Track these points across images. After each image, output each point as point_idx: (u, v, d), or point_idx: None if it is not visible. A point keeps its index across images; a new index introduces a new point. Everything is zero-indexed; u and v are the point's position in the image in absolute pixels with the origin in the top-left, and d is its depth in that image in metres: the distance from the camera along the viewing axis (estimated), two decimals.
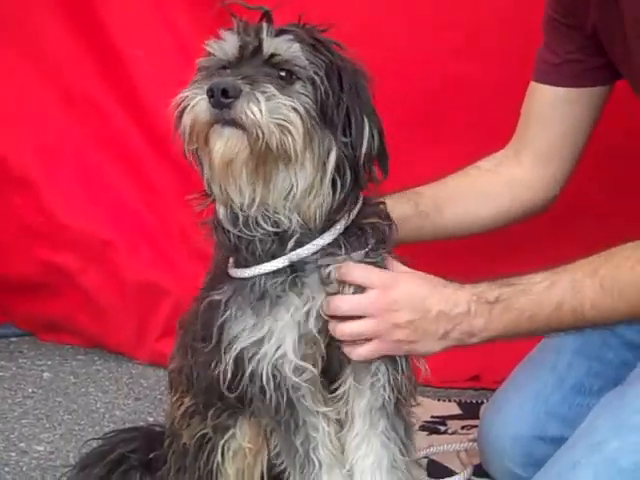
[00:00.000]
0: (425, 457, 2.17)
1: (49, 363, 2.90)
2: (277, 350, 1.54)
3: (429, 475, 2.10)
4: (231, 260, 1.59)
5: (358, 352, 1.56)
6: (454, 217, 1.99)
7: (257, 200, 1.48)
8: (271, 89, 1.41)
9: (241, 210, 1.50)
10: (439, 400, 2.56)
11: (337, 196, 1.50)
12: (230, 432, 1.68)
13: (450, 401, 2.57)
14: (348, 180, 1.50)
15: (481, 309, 1.57)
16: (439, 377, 2.57)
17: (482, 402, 2.50)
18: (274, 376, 1.56)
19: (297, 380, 1.56)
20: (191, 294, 1.77)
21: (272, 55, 1.45)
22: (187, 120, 1.43)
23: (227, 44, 1.47)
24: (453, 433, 2.33)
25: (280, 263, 1.53)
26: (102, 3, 2.87)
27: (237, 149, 1.42)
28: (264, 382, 1.55)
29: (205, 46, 1.50)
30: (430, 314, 1.56)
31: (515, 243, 2.61)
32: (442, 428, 2.36)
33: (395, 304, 1.55)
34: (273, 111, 1.40)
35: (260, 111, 1.38)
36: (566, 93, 1.97)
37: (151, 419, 2.52)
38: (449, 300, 1.57)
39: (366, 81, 1.53)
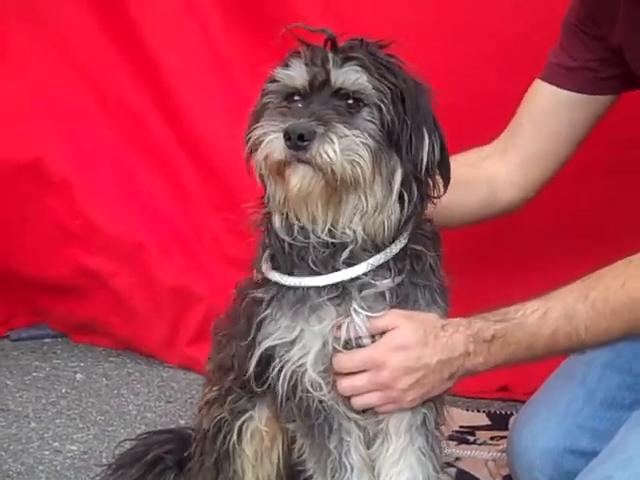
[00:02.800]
0: (456, 458, 2.20)
1: (82, 364, 2.95)
2: (300, 359, 1.58)
3: None
4: (269, 263, 1.62)
5: (383, 411, 1.63)
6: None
7: (328, 222, 1.55)
8: (343, 129, 1.47)
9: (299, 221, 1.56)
10: (468, 410, 2.57)
11: (405, 209, 1.56)
12: (247, 414, 1.73)
13: (479, 412, 2.58)
14: (415, 193, 1.56)
15: (479, 348, 1.60)
16: (468, 388, 2.59)
17: (511, 413, 2.52)
18: (299, 383, 1.60)
19: (314, 393, 1.60)
20: (223, 300, 1.82)
21: (340, 88, 1.51)
22: (262, 154, 1.50)
23: (295, 73, 1.52)
24: (482, 444, 2.34)
25: (330, 280, 1.57)
26: (138, 11, 2.91)
27: (312, 185, 1.49)
28: (287, 386, 1.60)
29: (272, 72, 1.55)
30: (430, 367, 1.59)
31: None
32: (471, 438, 2.37)
33: (392, 376, 1.59)
34: (345, 150, 1.47)
35: (334, 151, 1.46)
36: (573, 97, 1.98)
37: (182, 422, 2.55)
38: (445, 348, 1.59)
39: (426, 95, 1.58)
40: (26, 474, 2.27)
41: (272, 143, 1.48)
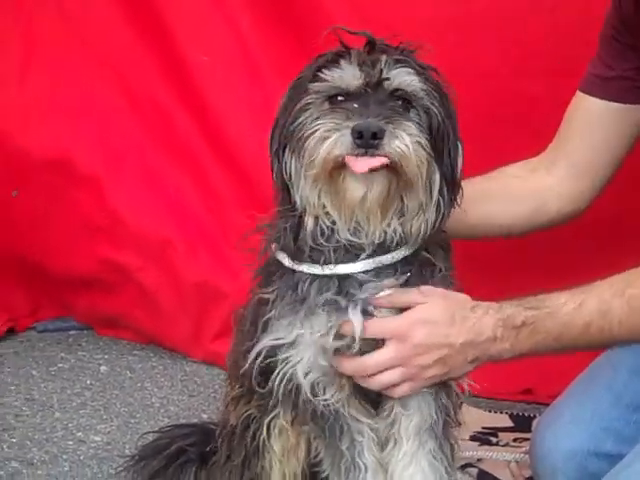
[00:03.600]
0: (477, 459, 2.20)
1: (106, 357, 2.97)
2: (295, 364, 1.59)
3: None
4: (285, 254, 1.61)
5: (397, 393, 1.61)
6: (480, 219, 1.97)
7: (377, 223, 1.54)
8: (411, 128, 1.48)
9: (334, 224, 1.55)
10: (490, 411, 2.56)
11: (440, 213, 1.56)
12: (275, 411, 1.72)
13: (502, 413, 2.57)
14: (447, 198, 1.56)
15: (507, 334, 1.59)
16: (491, 389, 2.58)
17: (534, 416, 2.50)
18: (292, 385, 1.60)
19: (312, 398, 1.60)
20: (247, 297, 1.79)
21: (395, 89, 1.52)
22: (324, 152, 1.47)
23: (346, 74, 1.52)
24: (505, 445, 2.33)
25: (364, 266, 1.56)
26: (168, 9, 2.93)
27: (376, 187, 1.49)
28: (281, 386, 1.60)
29: (320, 73, 1.54)
30: (455, 347, 1.58)
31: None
32: (493, 439, 2.37)
33: (418, 349, 1.58)
34: (414, 148, 1.48)
35: (407, 147, 1.46)
36: (613, 107, 1.97)
37: (205, 416, 2.57)
38: (472, 330, 1.59)
39: (453, 103, 1.59)
40: (50, 463, 2.30)
41: (339, 142, 1.46)
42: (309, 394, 1.59)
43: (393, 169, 1.48)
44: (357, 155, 1.46)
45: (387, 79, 1.51)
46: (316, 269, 1.57)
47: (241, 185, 2.96)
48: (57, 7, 2.99)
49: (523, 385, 2.67)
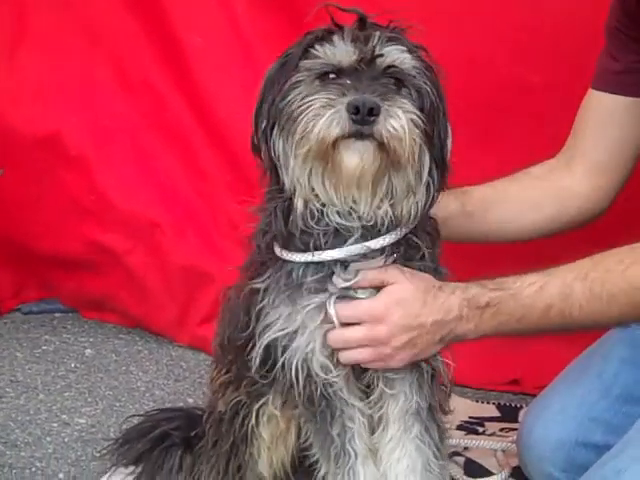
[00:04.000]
0: (464, 448, 2.19)
1: (91, 340, 2.94)
2: (307, 346, 1.58)
3: (466, 474, 2.11)
4: (276, 242, 1.60)
5: (372, 367, 1.62)
6: (500, 221, 1.99)
7: (368, 204, 1.52)
8: (407, 105, 1.46)
9: (324, 206, 1.53)
10: (477, 401, 2.56)
11: (430, 196, 1.55)
12: (264, 398, 1.72)
13: (489, 403, 2.56)
14: (437, 180, 1.55)
15: (472, 314, 1.60)
16: (478, 379, 2.58)
17: (521, 406, 2.50)
18: (304, 370, 1.59)
19: (324, 376, 1.59)
20: (235, 282, 1.78)
21: (388, 66, 1.49)
22: (318, 129, 1.44)
23: (339, 51, 1.50)
24: (491, 435, 2.32)
25: (354, 250, 1.55)
26: None
27: (369, 162, 1.46)
28: (294, 374, 1.59)
29: (312, 49, 1.52)
30: (425, 327, 1.59)
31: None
32: (480, 429, 2.36)
33: (389, 332, 1.58)
34: (409, 126, 1.45)
35: (402, 127, 1.44)
36: (626, 102, 1.95)
37: (190, 400, 2.55)
38: (441, 309, 1.59)
39: (441, 82, 1.57)
40: (33, 445, 2.28)
41: (333, 118, 1.43)
42: (321, 373, 1.59)
43: (383, 146, 1.46)
44: (354, 132, 1.43)
45: (380, 55, 1.49)
46: (307, 256, 1.56)
47: (231, 168, 2.93)
48: None
49: (510, 376, 2.66)
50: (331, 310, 1.56)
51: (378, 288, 1.59)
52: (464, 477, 2.08)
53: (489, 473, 2.10)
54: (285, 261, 1.58)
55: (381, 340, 1.58)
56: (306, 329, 1.57)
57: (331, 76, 1.50)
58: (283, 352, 1.59)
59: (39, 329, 2.99)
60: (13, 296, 3.13)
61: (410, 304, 1.58)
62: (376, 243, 1.56)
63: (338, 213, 1.53)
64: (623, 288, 1.57)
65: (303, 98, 1.47)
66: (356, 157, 1.45)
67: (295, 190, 1.52)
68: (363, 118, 1.42)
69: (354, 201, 1.52)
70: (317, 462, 1.69)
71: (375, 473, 1.66)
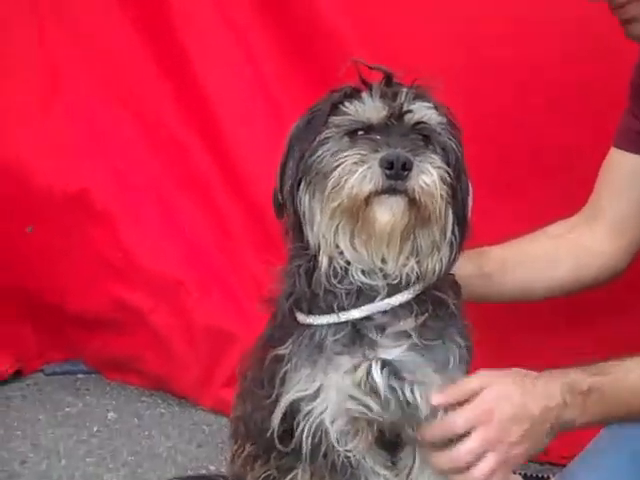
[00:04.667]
0: None
1: (114, 403, 2.91)
2: (322, 413, 1.54)
3: None
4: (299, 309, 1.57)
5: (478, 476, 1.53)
6: (519, 282, 1.96)
7: (389, 261, 1.50)
8: (437, 161, 1.46)
9: (349, 264, 1.51)
10: None
11: (453, 252, 1.53)
12: (294, 472, 1.66)
13: (515, 473, 2.44)
14: (458, 236, 1.53)
15: (575, 400, 1.54)
16: None
17: (548, 477, 2.42)
18: (322, 436, 1.55)
19: (338, 448, 1.55)
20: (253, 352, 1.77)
21: (417, 122, 1.50)
22: (351, 185, 1.43)
23: (368, 107, 1.50)
24: None
25: (379, 307, 1.52)
26: (187, 42, 2.89)
27: (400, 218, 1.45)
28: (309, 440, 1.55)
29: (340, 106, 1.52)
30: (535, 417, 1.53)
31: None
32: None
33: (505, 425, 1.51)
34: (440, 182, 1.46)
35: (434, 182, 1.44)
36: None
37: (212, 467, 2.50)
38: (543, 397, 1.54)
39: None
40: None
41: (366, 173, 1.42)
42: (336, 443, 1.54)
43: (414, 202, 1.45)
44: (387, 188, 1.43)
45: (409, 112, 1.49)
46: (332, 318, 1.53)
47: (256, 226, 2.91)
48: (79, 45, 2.97)
49: None
50: (377, 377, 1.51)
51: None
52: None
53: None
54: (308, 325, 1.55)
55: (497, 438, 1.52)
56: (322, 394, 1.53)
57: (360, 133, 1.49)
58: (304, 418, 1.55)
59: (62, 391, 2.97)
60: (37, 356, 3.11)
61: (513, 396, 1.53)
62: (396, 300, 1.53)
63: (363, 272, 1.51)
64: None
65: (333, 154, 1.47)
66: (388, 213, 1.44)
67: (320, 247, 1.50)
68: (397, 173, 1.41)
69: (382, 259, 1.50)
70: None
71: None
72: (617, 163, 1.97)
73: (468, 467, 1.53)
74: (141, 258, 2.93)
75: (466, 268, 1.78)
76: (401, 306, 1.54)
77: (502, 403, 1.52)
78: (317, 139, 1.50)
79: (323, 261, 1.51)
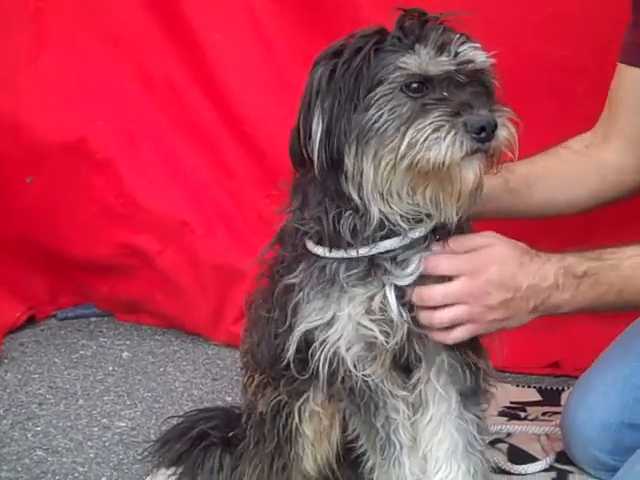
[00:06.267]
0: (507, 434, 2.16)
1: (128, 343, 2.95)
2: (339, 339, 1.56)
3: (510, 460, 2.07)
4: (312, 242, 1.58)
5: (453, 336, 1.56)
6: (544, 197, 1.96)
7: (447, 210, 1.51)
8: (505, 111, 1.47)
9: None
10: (518, 386, 2.52)
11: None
12: (305, 395, 1.70)
13: (530, 387, 2.52)
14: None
15: (569, 283, 1.55)
16: (518, 363, 2.54)
17: (563, 389, 2.46)
18: (341, 363, 1.57)
19: (355, 373, 1.57)
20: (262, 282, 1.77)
21: (475, 70, 1.48)
22: (442, 152, 1.41)
23: (424, 59, 1.46)
24: (534, 419, 2.28)
25: (400, 242, 1.53)
26: None
27: (480, 175, 1.47)
28: (325, 367, 1.58)
29: (396, 61, 1.46)
30: (520, 290, 1.54)
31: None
32: (522, 414, 2.32)
33: (487, 287, 1.53)
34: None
35: (512, 135, 1.46)
36: None
37: (229, 399, 2.54)
38: (537, 274, 1.55)
39: None
40: (75, 450, 2.28)
41: (455, 139, 1.41)
42: (353, 369, 1.57)
43: (491, 156, 1.47)
44: (475, 150, 1.43)
45: (471, 61, 1.47)
46: (352, 252, 1.54)
47: (257, 164, 2.92)
48: None
49: (550, 358, 2.62)
50: (413, 268, 1.53)
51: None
52: (508, 464, 2.04)
53: (534, 459, 2.07)
54: (318, 257, 1.56)
55: (476, 295, 1.53)
56: (337, 323, 1.55)
57: (414, 86, 1.45)
58: (319, 346, 1.57)
59: (76, 334, 3.00)
60: (49, 303, 3.14)
61: (508, 263, 1.54)
62: (415, 233, 1.53)
63: (408, 220, 1.52)
64: None
65: (394, 113, 1.44)
66: (473, 172, 1.45)
67: (370, 201, 1.49)
68: (488, 135, 1.42)
69: (441, 209, 1.51)
70: (364, 454, 1.68)
71: (421, 463, 1.65)
72: (626, 79, 1.96)
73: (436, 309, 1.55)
74: (144, 202, 2.95)
75: (491, 183, 1.77)
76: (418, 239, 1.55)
77: (493, 266, 1.53)
78: (370, 95, 1.45)
79: (374, 213, 1.50)
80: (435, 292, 1.53)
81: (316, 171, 1.50)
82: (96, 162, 2.94)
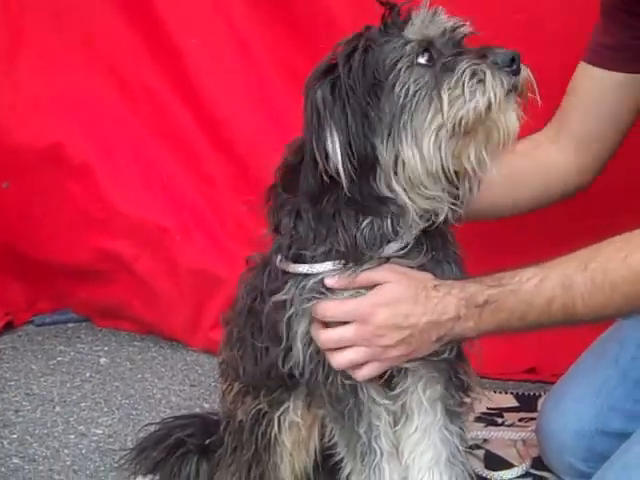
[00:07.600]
0: (484, 440, 2.18)
1: (106, 349, 2.94)
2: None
3: (486, 467, 2.08)
4: (280, 257, 1.57)
5: (361, 375, 1.57)
6: (488, 201, 1.92)
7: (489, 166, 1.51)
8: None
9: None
10: (495, 392, 2.52)
11: None
12: (285, 405, 1.70)
13: (507, 393, 2.53)
14: None
15: (471, 313, 1.54)
16: (495, 369, 2.55)
17: (540, 395, 2.48)
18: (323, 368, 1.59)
19: (343, 380, 1.58)
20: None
21: (464, 35, 1.50)
22: (485, 93, 1.40)
23: (424, 24, 1.46)
24: (511, 425, 2.30)
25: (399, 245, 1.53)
26: None
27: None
28: (314, 372, 1.59)
29: (398, 39, 1.46)
30: (418, 327, 1.53)
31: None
32: (499, 420, 2.34)
33: (379, 331, 1.53)
34: None
35: (529, 75, 1.45)
36: (619, 78, 1.92)
37: (207, 405, 2.54)
38: (435, 309, 1.53)
39: None
40: (51, 458, 2.27)
41: (493, 77, 1.40)
42: (339, 374, 1.57)
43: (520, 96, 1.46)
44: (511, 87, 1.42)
45: (461, 25, 1.49)
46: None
47: (235, 169, 2.92)
48: None
49: (527, 364, 2.64)
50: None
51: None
52: (485, 470, 2.05)
53: (510, 465, 2.08)
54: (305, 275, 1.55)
55: (370, 340, 1.54)
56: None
57: (425, 57, 1.45)
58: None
59: (53, 340, 2.99)
60: (26, 309, 3.12)
61: (401, 303, 1.53)
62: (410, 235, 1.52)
63: (421, 216, 1.51)
64: (625, 276, 1.51)
65: (428, 84, 1.42)
66: (515, 113, 1.45)
67: (408, 194, 1.48)
68: (518, 67, 1.42)
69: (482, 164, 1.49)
70: (341, 461, 1.68)
71: (400, 470, 1.66)
72: (585, 78, 1.97)
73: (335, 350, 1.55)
74: (121, 207, 2.93)
75: None
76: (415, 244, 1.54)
77: (384, 309, 1.52)
78: (379, 85, 1.44)
79: (409, 206, 1.48)
80: (330, 336, 1.54)
81: (345, 187, 1.46)
82: (73, 167, 2.92)
